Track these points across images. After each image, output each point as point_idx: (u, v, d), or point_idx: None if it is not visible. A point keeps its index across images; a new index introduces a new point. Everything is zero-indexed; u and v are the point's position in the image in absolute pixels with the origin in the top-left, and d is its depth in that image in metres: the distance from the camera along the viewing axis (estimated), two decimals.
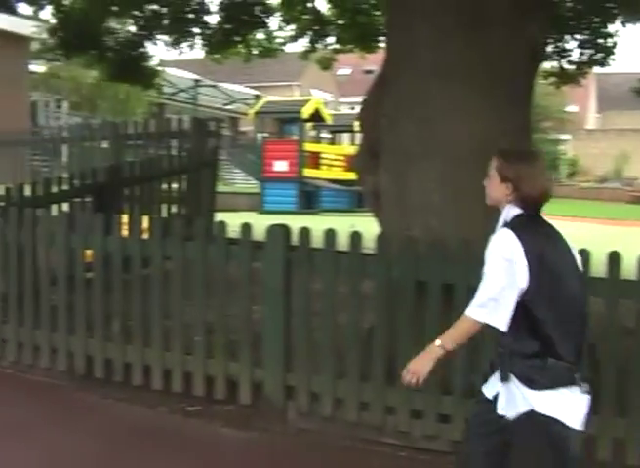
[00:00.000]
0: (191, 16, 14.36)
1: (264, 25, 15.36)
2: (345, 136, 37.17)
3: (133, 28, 15.29)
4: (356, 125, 26.42)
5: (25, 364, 7.85)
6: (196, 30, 14.86)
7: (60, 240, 7.66)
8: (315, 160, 31.36)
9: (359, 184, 8.14)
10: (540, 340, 3.75)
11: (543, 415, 3.76)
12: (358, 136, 25.80)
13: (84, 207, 9.97)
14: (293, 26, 15.86)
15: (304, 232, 6.55)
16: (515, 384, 3.83)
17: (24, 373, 7.78)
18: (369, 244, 6.41)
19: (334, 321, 6.48)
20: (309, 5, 15.43)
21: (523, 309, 3.76)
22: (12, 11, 14.53)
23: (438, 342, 3.87)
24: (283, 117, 32.69)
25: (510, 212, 3.92)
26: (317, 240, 6.53)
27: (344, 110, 47.82)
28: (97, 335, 7.44)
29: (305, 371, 6.57)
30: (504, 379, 3.89)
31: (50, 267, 7.86)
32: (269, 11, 15.02)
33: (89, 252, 7.62)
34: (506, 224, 3.88)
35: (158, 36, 14.96)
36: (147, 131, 13.54)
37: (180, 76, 42.32)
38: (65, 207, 9.69)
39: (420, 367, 3.88)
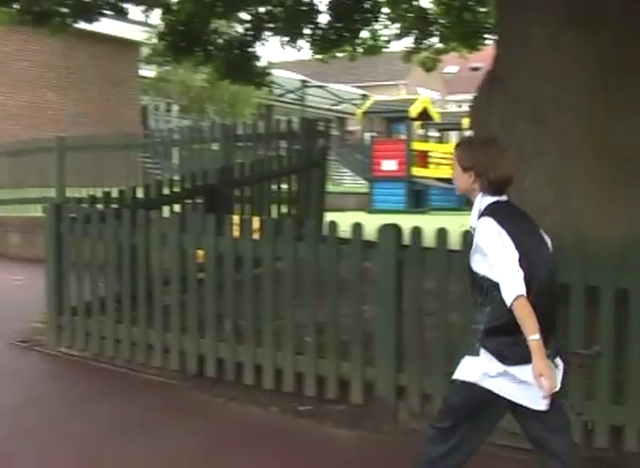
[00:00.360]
0: (302, 16, 14.40)
1: (376, 20, 15.32)
2: (453, 134, 36.84)
3: (240, 29, 15.43)
4: (464, 123, 26.42)
5: (138, 363, 7.98)
6: (306, 31, 14.90)
7: (173, 241, 7.76)
8: (423, 159, 31.19)
9: None
10: (513, 317, 3.77)
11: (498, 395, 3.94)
12: (467, 134, 25.65)
13: (195, 208, 10.06)
14: (398, 25, 15.81)
15: (416, 231, 6.49)
16: (487, 358, 3.92)
17: (138, 372, 7.91)
18: None
19: (445, 320, 6.42)
20: (415, 3, 15.36)
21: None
22: (122, 13, 14.75)
23: (535, 336, 3.71)
24: (391, 116, 32.53)
25: (483, 201, 4.07)
26: (428, 239, 6.48)
27: (452, 108, 47.58)
28: (209, 335, 7.52)
29: (417, 371, 6.51)
30: (473, 353, 4.02)
31: (162, 268, 7.97)
32: (378, 7, 14.99)
33: (200, 252, 7.70)
34: (482, 214, 4.01)
35: (268, 36, 15.05)
36: (257, 132, 13.62)
37: (287, 77, 42.54)
38: (177, 208, 9.80)
39: (549, 375, 3.75)
